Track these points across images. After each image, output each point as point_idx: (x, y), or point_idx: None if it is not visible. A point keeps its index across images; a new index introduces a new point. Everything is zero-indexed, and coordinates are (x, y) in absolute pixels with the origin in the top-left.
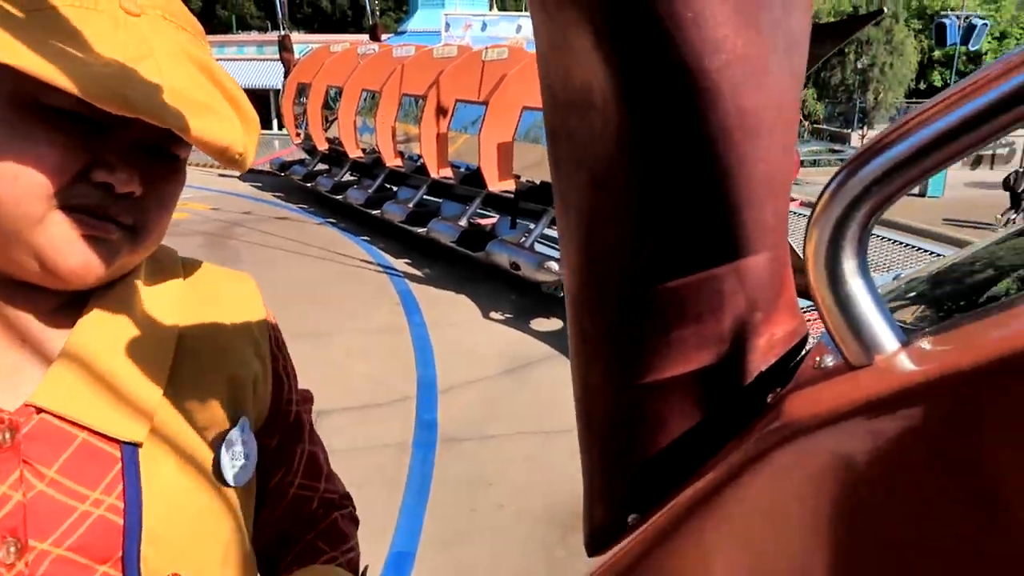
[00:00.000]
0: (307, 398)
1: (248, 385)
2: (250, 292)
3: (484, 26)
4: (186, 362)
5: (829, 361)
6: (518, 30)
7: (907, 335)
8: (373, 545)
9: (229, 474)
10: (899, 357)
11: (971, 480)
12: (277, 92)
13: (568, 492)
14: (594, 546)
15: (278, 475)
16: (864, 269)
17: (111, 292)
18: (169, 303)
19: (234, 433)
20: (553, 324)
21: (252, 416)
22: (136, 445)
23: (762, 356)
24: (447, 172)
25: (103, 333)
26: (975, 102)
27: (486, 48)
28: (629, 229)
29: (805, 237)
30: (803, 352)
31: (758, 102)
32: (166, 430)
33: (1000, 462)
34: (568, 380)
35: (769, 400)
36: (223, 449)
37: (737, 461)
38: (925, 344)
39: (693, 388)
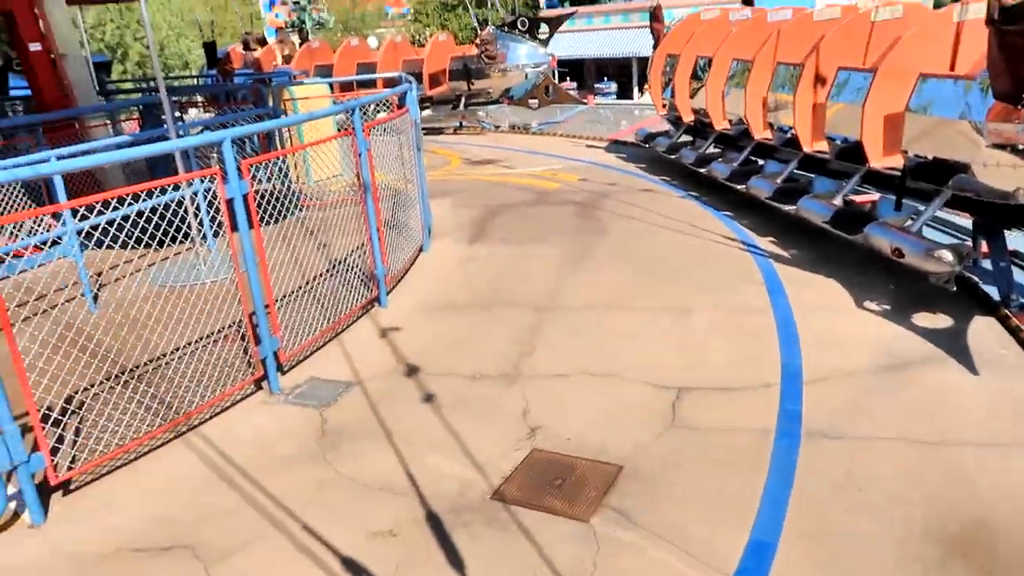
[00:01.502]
0: None
1: None
2: None
3: None
4: None
5: None
6: None
7: None
8: (732, 528)
9: None
10: None
11: None
12: (640, 60)
13: (954, 513)
14: None
15: None
16: None
17: None
18: None
19: None
20: (939, 321)
21: None
22: None
23: None
24: (821, 145)
25: None
26: None
27: (876, 7)
28: None
29: None
30: None
31: None
32: None
33: None
34: (960, 389)
35: None
36: None
37: None
38: None
39: None
